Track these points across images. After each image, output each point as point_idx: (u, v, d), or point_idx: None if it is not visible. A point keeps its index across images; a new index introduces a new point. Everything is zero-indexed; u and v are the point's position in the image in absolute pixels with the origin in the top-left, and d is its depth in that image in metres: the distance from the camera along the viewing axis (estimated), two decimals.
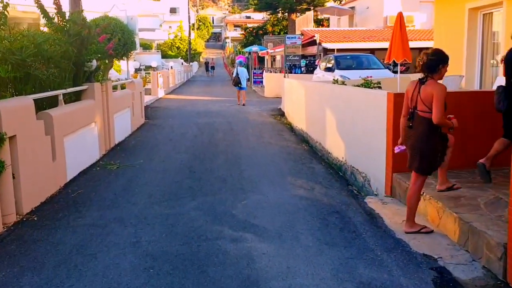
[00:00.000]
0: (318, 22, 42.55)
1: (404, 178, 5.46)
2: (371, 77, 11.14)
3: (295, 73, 22.85)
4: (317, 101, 9.46)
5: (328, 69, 14.18)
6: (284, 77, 16.31)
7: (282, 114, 14.89)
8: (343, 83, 10.92)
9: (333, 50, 23.02)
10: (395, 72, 14.96)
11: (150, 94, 22.24)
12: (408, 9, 27.97)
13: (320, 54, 24.07)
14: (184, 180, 6.58)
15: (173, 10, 73.52)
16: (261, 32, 46.73)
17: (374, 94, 6.21)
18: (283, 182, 6.45)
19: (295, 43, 16.44)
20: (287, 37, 16.53)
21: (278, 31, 45.15)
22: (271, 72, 28.06)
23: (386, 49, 22.06)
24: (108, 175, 6.87)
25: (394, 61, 11.88)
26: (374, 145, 6.10)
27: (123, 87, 11.30)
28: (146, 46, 53.20)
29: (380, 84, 10.51)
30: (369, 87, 10.56)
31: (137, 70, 27.19)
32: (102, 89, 8.64)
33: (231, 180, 6.57)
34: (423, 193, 4.76)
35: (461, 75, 10.51)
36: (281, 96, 21.89)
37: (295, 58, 16.67)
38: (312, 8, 40.32)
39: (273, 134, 10.97)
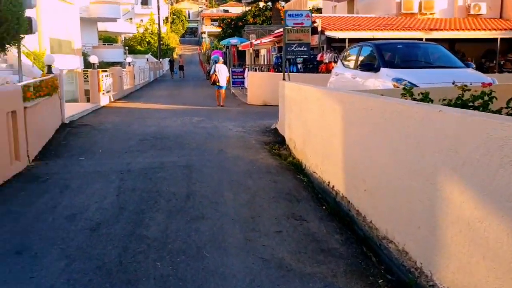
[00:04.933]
0: None
1: None
2: (492, 85, 5.17)
3: (288, 71, 16.77)
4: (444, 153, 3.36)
5: (364, 67, 8.15)
6: (284, 78, 10.19)
7: (281, 141, 8.85)
8: (412, 95, 4.87)
9: (341, 40, 17.05)
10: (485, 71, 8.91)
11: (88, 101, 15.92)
12: None
13: (323, 47, 18.07)
14: None
15: (144, 2, 66.68)
16: (240, 23, 40.46)
17: None
18: None
19: (302, 24, 10.23)
20: (288, 14, 10.23)
21: (261, 22, 39.01)
22: (256, 70, 21.90)
23: (409, 39, 15.92)
24: None
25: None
26: None
27: None
28: (110, 40, 46.55)
29: None
30: (486, 108, 4.55)
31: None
32: None
33: None
34: None
35: None
36: (270, 104, 15.87)
37: (302, 49, 10.48)
38: None
39: (281, 211, 4.85)
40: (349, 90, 7.05)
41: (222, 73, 16.30)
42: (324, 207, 5.09)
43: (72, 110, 12.72)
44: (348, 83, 8.96)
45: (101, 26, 38.99)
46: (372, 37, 15.30)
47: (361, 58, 8.75)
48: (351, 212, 4.74)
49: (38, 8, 18.13)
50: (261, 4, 40.74)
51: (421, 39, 16.69)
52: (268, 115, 12.78)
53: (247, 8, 46.06)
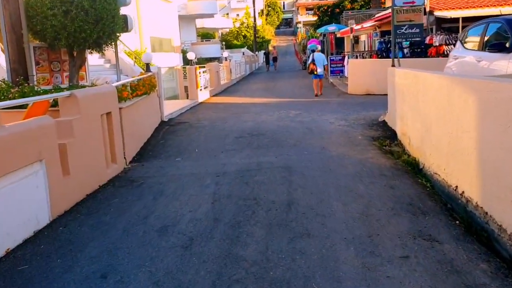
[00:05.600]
0: None
1: None
2: None
3: (398, 56, 15.36)
4: None
5: (493, 48, 6.84)
6: (393, 65, 9.09)
7: (391, 135, 7.84)
8: None
9: (452, 21, 15.25)
10: None
11: (186, 98, 16.00)
12: None
13: (431, 28, 16.36)
14: None
15: None
16: (337, 10, 38.88)
17: None
18: None
19: (413, 2, 8.99)
20: None
21: (359, 7, 37.13)
22: (356, 57, 20.64)
23: None
24: None
25: None
26: None
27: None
28: (208, 36, 47.49)
29: None
30: None
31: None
32: None
33: None
34: None
35: None
36: (374, 93, 14.70)
37: (413, 31, 9.24)
38: None
39: (405, 228, 3.97)
40: (484, 75, 5.88)
41: (319, 62, 16.00)
42: (457, 222, 4.11)
43: (171, 108, 12.73)
44: (470, 67, 7.66)
45: (199, 22, 39.79)
46: (499, 14, 13.33)
47: (487, 37, 7.38)
48: (490, 226, 3.78)
49: (138, 9, 18.65)
50: None
51: None
52: (373, 105, 11.74)
53: None
